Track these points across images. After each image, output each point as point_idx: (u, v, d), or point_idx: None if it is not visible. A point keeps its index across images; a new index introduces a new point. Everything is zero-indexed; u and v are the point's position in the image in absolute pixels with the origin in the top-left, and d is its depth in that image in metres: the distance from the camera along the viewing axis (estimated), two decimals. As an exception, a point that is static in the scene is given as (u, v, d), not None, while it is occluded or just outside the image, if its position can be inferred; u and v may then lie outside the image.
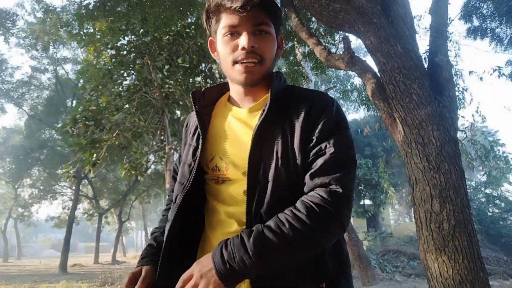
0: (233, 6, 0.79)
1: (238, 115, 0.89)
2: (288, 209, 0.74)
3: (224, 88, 0.98)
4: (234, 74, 0.84)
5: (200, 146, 0.88)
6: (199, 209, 0.92)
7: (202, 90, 0.95)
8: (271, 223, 0.72)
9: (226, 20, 0.83)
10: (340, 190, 0.74)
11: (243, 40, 0.80)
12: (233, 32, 0.82)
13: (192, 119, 0.98)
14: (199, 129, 0.89)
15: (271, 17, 0.84)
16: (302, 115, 0.82)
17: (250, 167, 0.80)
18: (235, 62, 0.83)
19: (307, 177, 0.78)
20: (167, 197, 1.10)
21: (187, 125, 1.02)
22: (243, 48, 0.80)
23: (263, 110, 0.82)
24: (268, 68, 0.85)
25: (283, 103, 0.85)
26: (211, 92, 0.96)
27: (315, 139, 0.80)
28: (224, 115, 0.91)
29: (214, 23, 0.88)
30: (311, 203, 0.72)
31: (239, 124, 0.88)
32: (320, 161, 0.77)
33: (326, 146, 0.79)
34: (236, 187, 0.83)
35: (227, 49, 0.84)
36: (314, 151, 0.79)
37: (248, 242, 0.69)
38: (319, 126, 0.81)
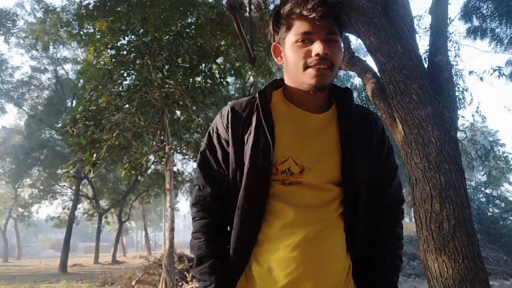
0: (311, 15, 0.84)
1: (312, 120, 0.93)
2: (392, 239, 0.98)
3: (272, 87, 1.01)
4: (305, 78, 0.88)
5: (272, 147, 0.88)
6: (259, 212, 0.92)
7: (263, 90, 0.96)
8: (391, 261, 0.97)
9: (300, 26, 0.88)
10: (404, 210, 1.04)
11: (317, 46, 0.85)
12: (306, 39, 0.87)
13: (239, 118, 0.95)
14: (265, 128, 0.89)
15: (341, 27, 0.90)
16: (370, 129, 0.97)
17: (345, 177, 0.90)
18: (307, 67, 0.87)
19: (387, 191, 0.99)
20: (200, 203, 0.98)
21: (229, 122, 0.96)
22: (317, 54, 0.85)
23: (347, 121, 0.93)
24: (335, 75, 0.91)
25: (350, 113, 0.95)
26: (268, 93, 0.97)
27: (385, 157, 0.99)
28: (290, 117, 0.93)
29: (284, 29, 0.91)
30: (400, 230, 1.00)
31: (319, 128, 0.93)
32: (394, 177, 1.01)
33: (393, 164, 1.01)
34: (312, 191, 0.89)
35: (299, 54, 0.87)
36: (387, 168, 1.00)
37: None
38: (385, 144, 0.99)
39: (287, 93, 0.97)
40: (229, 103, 1.02)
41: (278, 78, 1.03)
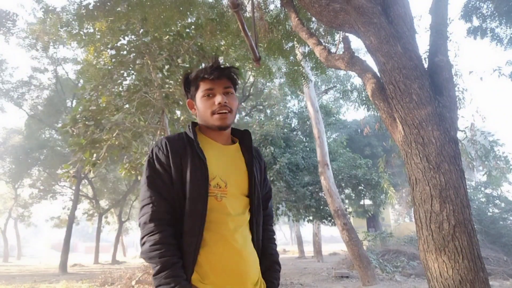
0: (210, 77, 1.24)
1: (226, 149, 1.29)
2: (272, 238, 1.41)
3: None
4: (213, 121, 1.24)
5: (206, 166, 1.18)
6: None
7: (190, 128, 1.28)
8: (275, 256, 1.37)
9: (204, 86, 1.26)
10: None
11: (218, 98, 1.23)
12: (210, 93, 1.25)
13: (176, 148, 1.21)
14: (200, 155, 1.18)
15: (233, 82, 1.29)
16: (260, 159, 1.39)
17: (250, 189, 1.27)
18: (213, 113, 1.23)
19: (268, 203, 1.43)
20: (156, 218, 1.14)
21: (168, 151, 1.20)
22: (219, 103, 1.22)
23: (250, 151, 1.32)
24: (234, 117, 1.29)
25: (253, 150, 1.36)
26: (193, 132, 1.27)
27: (264, 176, 1.41)
28: (211, 146, 1.26)
29: (194, 89, 1.30)
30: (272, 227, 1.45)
31: (231, 156, 1.29)
32: (269, 191, 1.44)
33: (269, 183, 1.45)
34: (237, 202, 1.23)
35: (207, 105, 1.25)
36: (268, 184, 1.43)
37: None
38: (265, 169, 1.42)
39: (203, 131, 1.30)
40: (160, 139, 1.26)
41: (194, 121, 1.36)
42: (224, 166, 1.24)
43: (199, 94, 1.26)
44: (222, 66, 1.25)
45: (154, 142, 6.62)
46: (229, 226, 1.17)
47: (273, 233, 1.41)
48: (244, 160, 1.29)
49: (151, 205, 1.14)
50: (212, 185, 1.18)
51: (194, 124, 1.31)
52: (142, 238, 1.14)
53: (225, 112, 1.21)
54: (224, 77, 1.24)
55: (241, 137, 1.35)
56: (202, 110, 1.25)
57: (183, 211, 1.15)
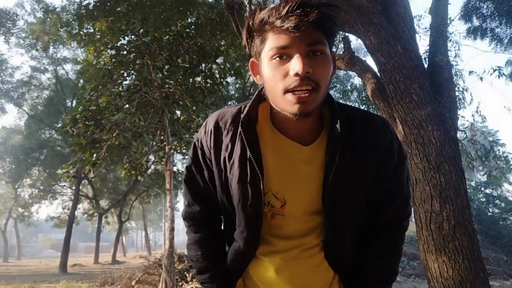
0: (284, 26, 0.68)
1: (298, 152, 0.83)
2: (386, 256, 0.90)
3: (257, 107, 0.87)
4: (285, 105, 0.73)
5: (262, 181, 0.81)
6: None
7: (247, 114, 0.83)
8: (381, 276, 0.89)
9: (274, 40, 0.72)
10: (407, 224, 0.93)
11: (295, 64, 0.69)
12: (283, 54, 0.72)
13: (219, 136, 0.86)
14: (253, 162, 0.81)
15: (327, 34, 0.73)
16: (373, 147, 0.83)
17: (325, 208, 0.83)
18: (286, 91, 0.72)
19: (385, 212, 0.89)
20: (190, 218, 0.97)
21: (211, 140, 0.88)
22: (296, 74, 0.69)
23: (329, 154, 0.81)
24: (323, 95, 0.75)
25: (345, 136, 0.81)
26: (253, 114, 0.85)
27: (387, 175, 0.86)
28: (275, 146, 0.83)
29: (259, 43, 0.76)
30: (399, 243, 0.93)
31: (300, 162, 0.83)
32: (397, 195, 0.89)
33: (402, 182, 0.89)
34: (298, 223, 0.87)
35: (276, 75, 0.73)
36: (392, 185, 0.88)
37: None
38: (392, 160, 0.86)
39: (272, 114, 0.84)
40: (214, 115, 0.90)
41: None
42: (288, 176, 0.84)
43: (266, 53, 0.75)
44: (306, 3, 0.68)
45: (154, 142, 6.64)
46: (276, 248, 0.88)
47: (391, 252, 0.90)
48: (323, 162, 0.82)
49: (185, 203, 0.97)
50: (263, 204, 0.85)
51: (260, 99, 0.86)
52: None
53: (307, 90, 0.70)
54: (311, 25, 0.69)
55: (332, 118, 0.82)
56: (270, 83, 0.75)
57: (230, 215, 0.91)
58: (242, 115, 0.83)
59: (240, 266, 0.91)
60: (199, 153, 0.91)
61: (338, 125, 0.80)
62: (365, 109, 8.58)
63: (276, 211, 0.86)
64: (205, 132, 0.89)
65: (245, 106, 0.86)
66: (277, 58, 0.72)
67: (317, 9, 0.68)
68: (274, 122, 0.84)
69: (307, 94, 0.71)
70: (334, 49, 0.80)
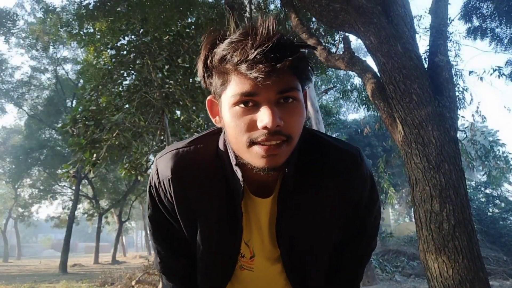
0: (252, 75, 0.56)
1: (257, 203, 0.76)
2: None
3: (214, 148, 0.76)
4: (251, 158, 0.63)
5: (239, 234, 0.77)
6: None
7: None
8: None
9: (238, 85, 0.60)
10: (370, 256, 0.91)
11: (264, 116, 0.58)
12: (249, 101, 0.60)
13: (187, 191, 0.75)
14: (238, 215, 0.74)
15: (301, 78, 0.63)
16: (336, 196, 0.75)
17: (284, 257, 0.79)
18: (252, 143, 0.61)
19: (347, 254, 0.85)
20: (167, 273, 0.89)
21: (173, 199, 0.76)
22: (265, 127, 0.58)
23: (280, 200, 0.73)
24: (295, 146, 0.64)
25: (306, 182, 0.73)
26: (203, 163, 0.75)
27: (354, 221, 0.81)
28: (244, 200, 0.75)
29: (219, 84, 0.64)
30: (359, 278, 0.89)
31: (261, 211, 0.77)
32: (359, 242, 0.85)
33: (364, 227, 0.84)
34: (265, 276, 0.84)
35: (240, 125, 0.61)
36: (353, 228, 0.82)
37: None
38: (357, 209, 0.79)
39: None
40: (167, 159, 0.74)
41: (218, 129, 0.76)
42: (255, 225, 0.78)
43: (227, 97, 0.62)
44: (280, 46, 0.57)
45: (154, 142, 6.65)
46: None
47: (351, 278, 0.89)
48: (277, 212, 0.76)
49: (158, 258, 0.87)
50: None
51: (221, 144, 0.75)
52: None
53: (277, 144, 0.61)
54: (282, 71, 0.57)
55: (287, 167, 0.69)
56: (232, 131, 0.63)
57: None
58: (237, 173, 0.70)
59: None
60: (158, 204, 0.79)
61: (291, 179, 0.71)
62: (365, 109, 8.56)
63: (245, 263, 0.82)
64: (160, 183, 0.76)
65: (206, 150, 0.75)
66: (242, 105, 0.60)
67: (292, 53, 0.57)
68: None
69: (276, 147, 0.60)
70: (307, 87, 0.66)
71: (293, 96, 0.61)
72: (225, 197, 0.73)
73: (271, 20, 0.58)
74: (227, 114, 0.63)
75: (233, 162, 0.69)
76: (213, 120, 0.72)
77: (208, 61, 0.64)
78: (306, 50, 0.63)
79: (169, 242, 0.84)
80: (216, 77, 0.64)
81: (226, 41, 0.61)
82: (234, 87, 0.60)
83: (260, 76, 0.56)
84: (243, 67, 0.57)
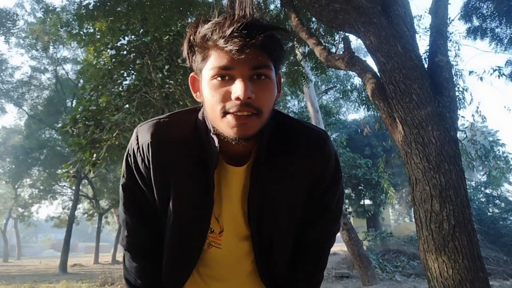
0: (227, 48, 0.64)
1: (233, 174, 0.79)
2: (309, 274, 0.90)
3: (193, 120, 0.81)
4: (224, 127, 0.69)
5: (210, 215, 0.79)
6: None
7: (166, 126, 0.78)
8: None
9: (216, 59, 0.67)
10: (334, 240, 0.94)
11: (237, 88, 0.65)
12: (225, 74, 0.67)
13: (163, 158, 0.77)
14: (210, 184, 0.77)
15: (273, 57, 0.70)
16: (304, 167, 0.80)
17: (253, 234, 0.82)
18: (225, 113, 0.68)
19: (310, 232, 0.88)
20: (133, 250, 0.87)
21: (150, 162, 0.78)
22: (237, 98, 0.65)
23: (253, 171, 0.77)
24: (266, 120, 0.71)
25: (277, 154, 0.78)
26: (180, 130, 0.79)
27: (319, 195, 0.85)
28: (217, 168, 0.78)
29: (200, 60, 0.71)
30: (325, 254, 0.93)
31: (233, 183, 0.80)
32: (321, 219, 0.87)
33: (329, 205, 0.87)
34: (233, 251, 0.86)
35: (216, 96, 0.68)
36: (317, 207, 0.86)
37: None
38: (322, 183, 0.83)
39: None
40: (148, 127, 0.79)
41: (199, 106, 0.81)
42: (226, 198, 0.81)
43: (207, 71, 0.70)
44: (253, 24, 0.65)
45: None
46: (216, 273, 0.89)
47: (313, 274, 0.91)
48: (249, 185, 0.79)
49: (126, 232, 0.85)
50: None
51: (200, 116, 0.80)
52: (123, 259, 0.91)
53: (247, 116, 0.67)
54: (256, 48, 0.65)
55: (259, 140, 0.76)
56: (209, 102, 0.70)
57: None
58: (214, 139, 0.74)
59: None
60: (135, 172, 0.81)
61: (263, 150, 0.76)
62: (365, 109, 8.57)
63: (213, 240, 0.84)
64: (138, 148, 0.79)
65: (183, 120, 0.81)
66: (219, 78, 0.68)
67: (264, 31, 0.65)
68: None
69: (247, 119, 0.67)
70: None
71: (265, 74, 0.68)
72: (198, 167, 0.77)
73: (248, 2, 0.67)
74: (206, 87, 0.70)
75: (211, 131, 0.74)
76: (194, 96, 0.79)
77: (192, 39, 0.72)
78: (280, 35, 0.70)
79: (139, 213, 0.84)
80: (198, 54, 0.72)
81: (209, 23, 0.69)
82: (213, 61, 0.68)
83: (235, 48, 0.63)
84: (220, 42, 0.65)
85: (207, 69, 0.70)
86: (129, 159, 0.81)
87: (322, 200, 0.86)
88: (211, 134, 0.74)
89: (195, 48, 0.72)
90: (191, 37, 0.72)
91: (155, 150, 0.77)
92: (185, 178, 0.78)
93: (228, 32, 0.64)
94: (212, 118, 0.72)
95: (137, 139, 0.79)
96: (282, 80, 0.87)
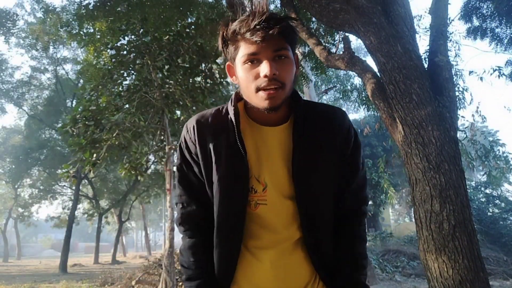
0: (253, 38, 0.83)
1: (270, 134, 0.94)
2: (355, 240, 0.97)
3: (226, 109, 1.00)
4: (258, 100, 0.87)
5: (248, 170, 0.91)
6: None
7: (235, 104, 0.95)
8: (357, 261, 0.95)
9: (245, 48, 0.87)
10: (367, 211, 1.03)
11: (264, 68, 0.84)
12: (253, 59, 0.86)
13: (203, 130, 0.95)
14: (240, 149, 0.90)
15: (289, 41, 0.88)
16: (332, 131, 0.95)
17: (298, 190, 0.91)
18: (258, 89, 0.86)
19: (348, 193, 0.98)
20: (186, 222, 0.98)
21: (195, 137, 0.95)
22: (265, 76, 0.84)
23: (295, 130, 0.92)
24: (289, 92, 0.89)
25: (309, 120, 0.95)
26: (236, 109, 0.96)
27: (348, 156, 0.97)
28: (252, 133, 0.94)
29: (233, 50, 0.90)
30: (362, 228, 1.00)
31: (273, 143, 0.93)
32: (355, 178, 0.98)
33: (356, 164, 0.99)
34: (279, 211, 0.92)
35: (249, 77, 0.87)
36: (349, 168, 0.98)
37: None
38: (349, 144, 0.97)
39: (247, 108, 0.97)
40: (193, 117, 1.00)
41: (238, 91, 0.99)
42: (265, 158, 0.92)
43: (239, 58, 0.89)
44: (271, 18, 0.83)
45: (154, 142, 6.64)
46: (264, 242, 0.92)
47: (358, 239, 0.97)
48: (292, 146, 0.91)
49: (180, 205, 0.99)
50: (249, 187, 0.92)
51: (238, 98, 0.98)
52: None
53: (274, 88, 0.84)
54: (275, 36, 0.83)
55: (296, 107, 0.95)
56: (244, 82, 0.89)
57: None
58: (223, 112, 0.96)
59: (228, 266, 0.92)
60: (186, 152, 0.98)
61: (302, 110, 0.93)
62: (365, 109, 8.59)
63: (259, 198, 0.92)
64: (187, 131, 0.98)
65: (223, 107, 0.99)
66: (249, 63, 0.87)
67: (279, 22, 0.83)
68: (249, 115, 0.97)
69: (275, 91, 0.85)
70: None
71: (285, 54, 0.87)
72: (229, 136, 0.92)
73: (264, 1, 0.85)
74: (240, 70, 0.89)
75: (231, 103, 0.95)
76: (231, 79, 0.98)
77: (224, 35, 0.91)
78: (293, 23, 0.89)
79: (191, 188, 0.99)
80: (230, 46, 0.91)
81: (236, 21, 0.87)
82: (243, 50, 0.87)
83: (259, 39, 0.82)
84: (247, 35, 0.84)
85: (239, 56, 0.89)
86: (181, 144, 0.99)
87: (352, 160, 0.98)
88: (232, 108, 0.93)
89: (228, 42, 0.91)
90: (224, 33, 0.91)
91: (198, 130, 0.95)
92: (220, 147, 0.92)
93: (252, 26, 0.83)
94: (247, 95, 0.91)
95: (187, 126, 0.99)
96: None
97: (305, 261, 0.93)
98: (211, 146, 0.93)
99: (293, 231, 0.92)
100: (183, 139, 0.99)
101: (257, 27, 0.82)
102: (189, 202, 0.98)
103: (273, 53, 0.85)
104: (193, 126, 0.96)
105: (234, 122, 0.92)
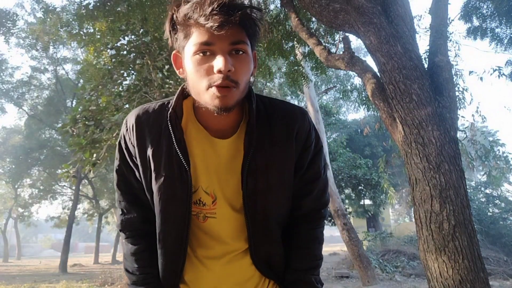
0: (208, 25, 0.69)
1: (219, 145, 0.83)
2: (309, 244, 0.91)
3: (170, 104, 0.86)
4: (208, 99, 0.74)
5: (190, 177, 0.80)
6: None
7: (173, 108, 0.82)
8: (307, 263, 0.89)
9: (198, 36, 0.73)
10: (326, 214, 0.96)
11: (218, 62, 0.71)
12: (206, 50, 0.73)
13: (143, 130, 0.83)
14: (180, 156, 0.79)
15: (249, 34, 0.76)
16: (290, 136, 0.84)
17: (246, 203, 0.82)
18: (208, 86, 0.73)
19: (309, 200, 0.90)
20: (127, 229, 0.89)
21: (134, 137, 0.83)
22: (219, 71, 0.71)
23: (247, 140, 0.81)
24: (243, 92, 0.77)
25: (264, 125, 0.84)
26: (179, 110, 0.84)
27: (308, 163, 0.89)
28: (200, 142, 0.83)
29: (182, 37, 0.76)
30: (320, 230, 0.93)
31: (224, 155, 0.83)
32: (319, 186, 0.91)
33: (319, 170, 0.91)
34: (228, 225, 0.85)
35: (200, 71, 0.73)
36: (309, 174, 0.89)
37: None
38: (309, 150, 0.88)
39: (195, 109, 0.85)
40: (134, 111, 0.86)
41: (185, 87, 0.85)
42: (214, 169, 0.83)
43: (189, 48, 0.75)
44: (231, 4, 0.70)
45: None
46: (215, 252, 0.87)
47: (314, 241, 0.92)
48: (243, 155, 0.82)
49: (120, 211, 0.90)
50: (192, 201, 0.83)
51: (183, 95, 0.85)
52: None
53: (228, 88, 0.72)
54: (234, 25, 0.71)
55: (249, 112, 0.83)
56: (193, 76, 0.75)
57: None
58: (168, 111, 0.82)
59: (174, 275, 0.86)
60: (125, 153, 0.87)
61: (254, 118, 0.81)
62: (365, 109, 8.57)
63: (207, 211, 0.84)
64: (127, 129, 0.85)
65: (168, 102, 0.85)
66: (201, 54, 0.73)
67: (241, 10, 0.70)
68: (197, 117, 0.85)
69: (229, 90, 0.72)
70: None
71: (243, 49, 0.74)
72: (170, 143, 0.80)
73: None
74: (189, 62, 0.75)
75: (172, 105, 0.82)
76: (177, 72, 0.84)
77: (174, 18, 0.76)
78: (256, 14, 0.75)
79: (131, 192, 0.89)
80: (180, 32, 0.77)
81: (190, 2, 0.72)
82: (195, 38, 0.73)
83: (215, 24, 0.68)
84: (201, 19, 0.69)
85: (189, 45, 0.75)
86: (121, 142, 0.88)
87: (312, 167, 0.89)
88: (170, 109, 0.81)
89: (177, 27, 0.77)
90: (173, 16, 0.76)
91: (137, 129, 0.83)
92: (160, 152, 0.81)
93: (209, 10, 0.68)
94: (196, 91, 0.77)
95: (126, 123, 0.86)
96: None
97: (254, 267, 0.88)
98: (149, 151, 0.81)
99: (242, 242, 0.87)
100: (123, 137, 0.87)
101: (214, 11, 0.68)
102: (129, 209, 0.89)
103: (229, 46, 0.72)
104: (132, 125, 0.84)
105: (171, 130, 0.80)
